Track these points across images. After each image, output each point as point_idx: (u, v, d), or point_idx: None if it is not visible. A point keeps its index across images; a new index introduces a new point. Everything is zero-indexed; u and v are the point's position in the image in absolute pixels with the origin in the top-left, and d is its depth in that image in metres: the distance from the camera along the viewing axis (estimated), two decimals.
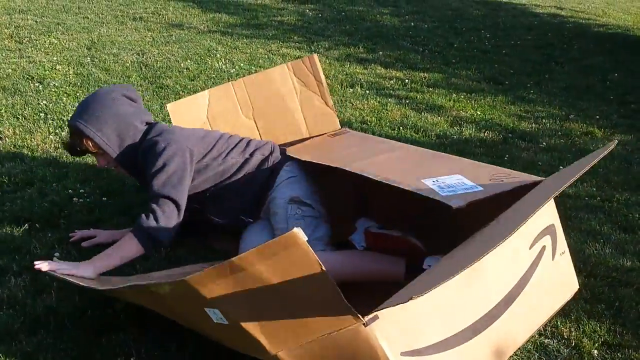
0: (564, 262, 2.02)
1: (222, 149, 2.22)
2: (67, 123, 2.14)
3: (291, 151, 2.39)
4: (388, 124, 3.56)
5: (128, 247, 2.04)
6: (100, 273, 2.00)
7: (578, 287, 2.09)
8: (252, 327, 1.52)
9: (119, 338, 1.88)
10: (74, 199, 2.66)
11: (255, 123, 2.52)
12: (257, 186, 2.25)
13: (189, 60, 4.52)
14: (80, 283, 1.84)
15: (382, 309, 1.40)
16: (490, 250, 1.43)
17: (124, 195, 2.72)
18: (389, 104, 3.84)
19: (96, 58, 4.47)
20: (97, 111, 2.11)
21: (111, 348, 1.84)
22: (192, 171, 2.14)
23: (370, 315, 1.45)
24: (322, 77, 2.58)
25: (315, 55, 2.59)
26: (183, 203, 2.08)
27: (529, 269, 1.87)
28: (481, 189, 1.89)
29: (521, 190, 1.91)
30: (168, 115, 3.50)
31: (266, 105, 2.54)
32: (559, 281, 2.01)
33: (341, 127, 2.64)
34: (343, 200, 2.56)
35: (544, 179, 2.00)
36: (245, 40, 5.09)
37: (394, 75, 4.39)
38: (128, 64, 4.37)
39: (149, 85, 4.01)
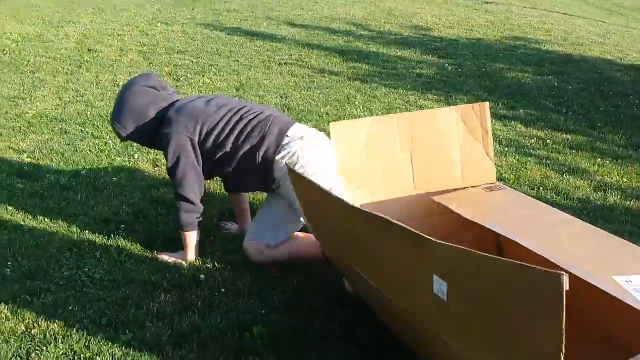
0: None
1: (219, 136, 2.47)
2: None
3: (449, 202, 2.35)
4: (527, 182, 3.48)
5: (189, 239, 2.52)
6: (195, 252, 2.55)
7: None
8: (457, 319, 1.55)
9: None
10: (218, 230, 2.83)
11: (411, 159, 2.50)
12: (250, 172, 2.51)
13: (328, 106, 4.69)
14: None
15: None
16: None
17: None
18: (528, 163, 3.75)
19: (243, 98, 4.76)
20: (120, 109, 2.54)
21: None
22: (198, 155, 2.47)
23: None
24: (489, 126, 2.52)
25: (487, 104, 2.52)
26: (193, 193, 2.48)
27: None
28: None
29: None
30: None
31: (425, 143, 2.50)
32: None
33: None
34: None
35: None
36: (383, 89, 5.21)
37: (534, 134, 4.29)
38: (272, 105, 4.60)
39: None
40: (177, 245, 2.63)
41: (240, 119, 2.50)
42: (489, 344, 1.52)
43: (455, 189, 2.50)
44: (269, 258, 2.52)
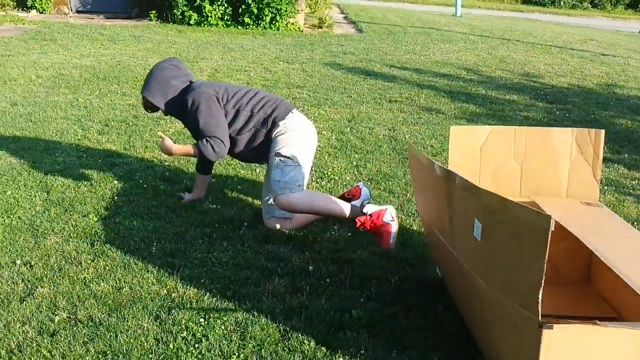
0: None
1: (238, 101, 3.12)
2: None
3: (542, 203, 2.53)
4: (622, 217, 3.58)
5: (193, 151, 3.12)
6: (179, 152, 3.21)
7: None
8: (484, 257, 1.87)
9: (352, 336, 2.29)
10: (326, 233, 3.20)
11: (521, 168, 2.69)
12: (261, 139, 3.13)
13: (434, 139, 4.99)
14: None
15: (563, 326, 1.56)
16: None
17: (361, 234, 3.17)
18: (626, 201, 3.85)
19: (354, 129, 5.16)
20: (151, 81, 3.21)
21: (345, 342, 2.25)
22: (223, 109, 3.09)
23: (548, 323, 1.59)
24: (601, 152, 2.65)
25: (603, 131, 2.66)
26: (225, 136, 3.09)
27: None
28: None
29: None
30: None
31: (537, 156, 2.69)
32: None
33: None
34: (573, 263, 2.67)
35: None
36: None
37: (636, 176, 4.36)
38: (380, 137, 4.97)
39: (396, 155, 4.54)
40: (290, 243, 3.03)
41: (256, 92, 3.20)
42: (499, 281, 1.78)
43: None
44: (288, 227, 3.16)
